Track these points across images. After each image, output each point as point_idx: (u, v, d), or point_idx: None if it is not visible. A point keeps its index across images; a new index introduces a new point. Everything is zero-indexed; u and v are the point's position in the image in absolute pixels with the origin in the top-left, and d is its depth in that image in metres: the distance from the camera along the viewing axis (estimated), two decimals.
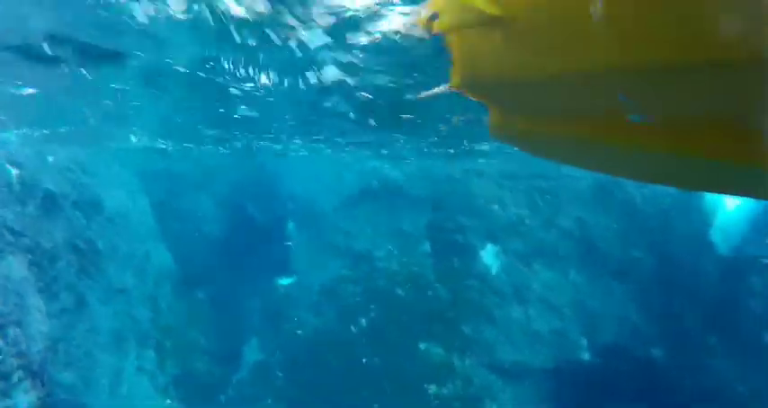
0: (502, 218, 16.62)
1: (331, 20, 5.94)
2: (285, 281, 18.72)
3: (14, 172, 12.20)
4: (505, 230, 16.46)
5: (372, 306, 16.78)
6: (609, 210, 15.99)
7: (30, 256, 11.77)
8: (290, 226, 20.40)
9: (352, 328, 16.53)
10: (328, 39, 6.48)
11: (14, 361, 10.14)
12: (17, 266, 11.34)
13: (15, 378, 10.04)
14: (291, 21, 6.01)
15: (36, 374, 10.54)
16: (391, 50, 6.56)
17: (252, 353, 18.13)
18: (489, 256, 16.36)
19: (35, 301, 11.49)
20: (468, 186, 17.44)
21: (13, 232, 11.52)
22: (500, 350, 15.13)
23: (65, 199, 13.57)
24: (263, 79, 8.48)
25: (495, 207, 16.82)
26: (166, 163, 20.38)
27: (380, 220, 18.30)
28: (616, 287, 15.36)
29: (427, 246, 17.40)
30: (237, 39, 6.59)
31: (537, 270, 15.79)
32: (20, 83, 9.31)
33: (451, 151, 15.02)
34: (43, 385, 10.64)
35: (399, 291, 16.88)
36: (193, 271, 18.33)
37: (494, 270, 16.15)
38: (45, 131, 14.14)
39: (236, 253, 19.48)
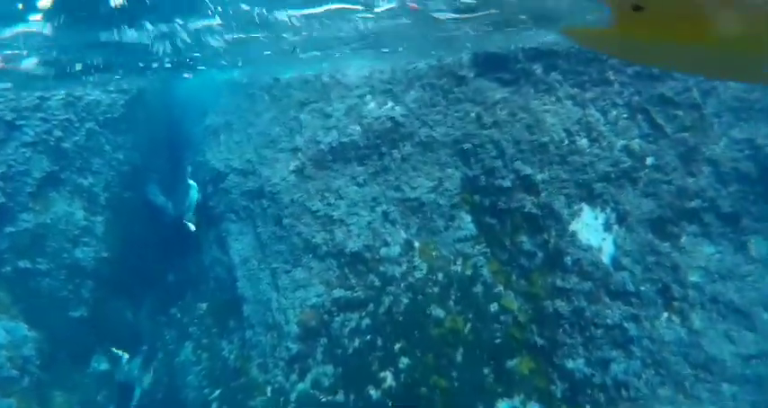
0: (596, 159, 9.22)
1: None
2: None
3: None
4: (609, 179, 9.11)
5: (396, 349, 9.53)
6: None
7: None
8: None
9: (371, 396, 9.34)
10: None
11: None
12: None
13: None
14: None
15: None
16: None
17: None
18: (591, 229, 9.10)
19: None
20: (521, 105, 9.86)
21: None
22: None
23: None
24: None
25: (580, 138, 9.37)
26: None
27: (374, 183, 10.66)
28: None
29: (469, 223, 9.98)
30: None
31: (690, 246, 8.63)
32: None
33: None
34: None
35: (439, 312, 9.61)
36: None
37: (606, 256, 8.95)
38: None
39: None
